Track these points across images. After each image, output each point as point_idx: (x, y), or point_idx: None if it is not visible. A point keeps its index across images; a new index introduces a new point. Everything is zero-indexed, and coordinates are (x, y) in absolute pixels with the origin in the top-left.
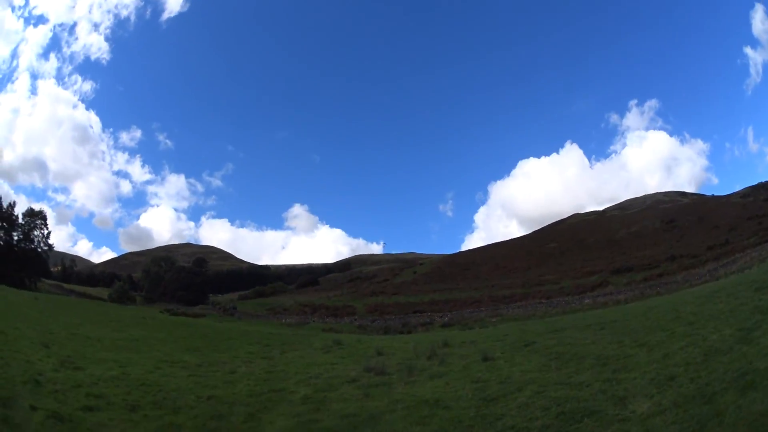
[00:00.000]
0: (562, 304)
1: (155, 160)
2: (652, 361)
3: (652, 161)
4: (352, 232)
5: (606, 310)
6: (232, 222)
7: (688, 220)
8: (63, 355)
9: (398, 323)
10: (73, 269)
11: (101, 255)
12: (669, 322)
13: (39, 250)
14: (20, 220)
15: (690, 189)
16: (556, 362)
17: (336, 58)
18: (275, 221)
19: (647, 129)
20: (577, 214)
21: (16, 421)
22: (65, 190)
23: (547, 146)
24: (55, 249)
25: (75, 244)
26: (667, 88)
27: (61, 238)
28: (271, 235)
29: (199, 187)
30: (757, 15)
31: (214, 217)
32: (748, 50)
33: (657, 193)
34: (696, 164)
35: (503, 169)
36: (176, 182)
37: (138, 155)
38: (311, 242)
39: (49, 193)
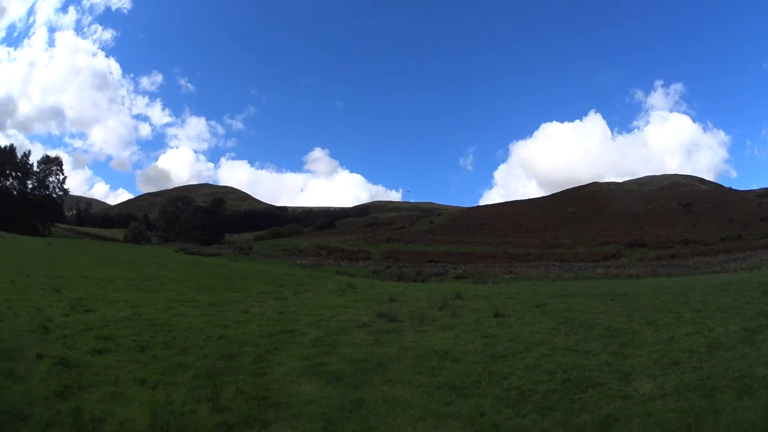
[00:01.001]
0: (575, 270)
1: (176, 103)
2: (659, 342)
3: (674, 143)
4: (371, 178)
5: (617, 282)
6: (251, 163)
7: (705, 207)
8: (74, 298)
9: (412, 271)
10: (89, 212)
11: (118, 197)
12: (678, 306)
13: (54, 195)
14: (35, 168)
15: (708, 177)
16: (566, 327)
17: (365, 4)
18: (295, 164)
19: (671, 111)
20: (597, 182)
21: (19, 373)
22: (82, 136)
23: (571, 112)
24: (72, 193)
25: (91, 187)
26: (694, 73)
27: (77, 182)
28: (290, 178)
29: (220, 130)
30: None
31: (233, 158)
32: None
33: (676, 174)
34: (716, 154)
35: (526, 130)
36: (196, 124)
37: (158, 99)
38: (330, 186)
39: (66, 140)
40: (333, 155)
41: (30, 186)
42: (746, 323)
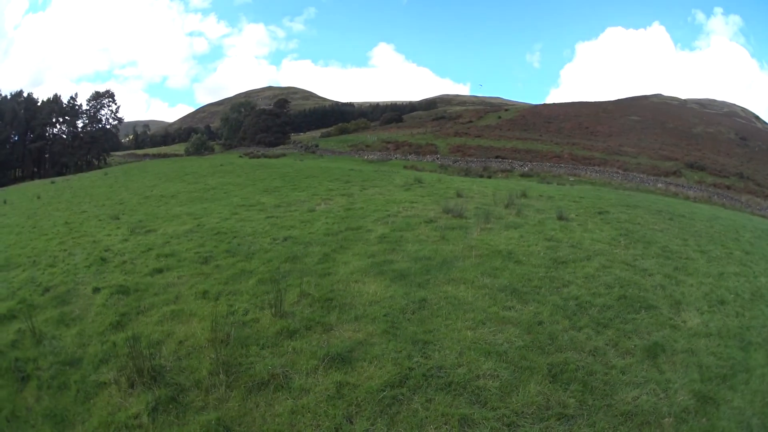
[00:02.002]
0: (637, 180)
1: (231, 14)
2: (709, 275)
3: (731, 72)
4: (439, 71)
5: (676, 201)
6: (315, 62)
7: (759, 145)
8: (134, 222)
9: (479, 166)
10: (147, 134)
11: (177, 113)
12: (730, 241)
13: (108, 126)
14: (85, 107)
15: (763, 116)
16: (626, 239)
17: None
18: (360, 59)
19: (730, 39)
20: (660, 95)
21: (73, 315)
22: (133, 64)
23: (635, 20)
24: (128, 120)
25: (148, 109)
26: (752, 9)
27: (133, 108)
28: (356, 73)
29: (280, 33)
30: None
31: (296, 59)
32: None
33: (735, 104)
34: None
35: (592, 32)
36: (255, 31)
37: (212, 13)
38: (397, 80)
39: (115, 71)
40: (398, 49)
41: (81, 125)
42: None
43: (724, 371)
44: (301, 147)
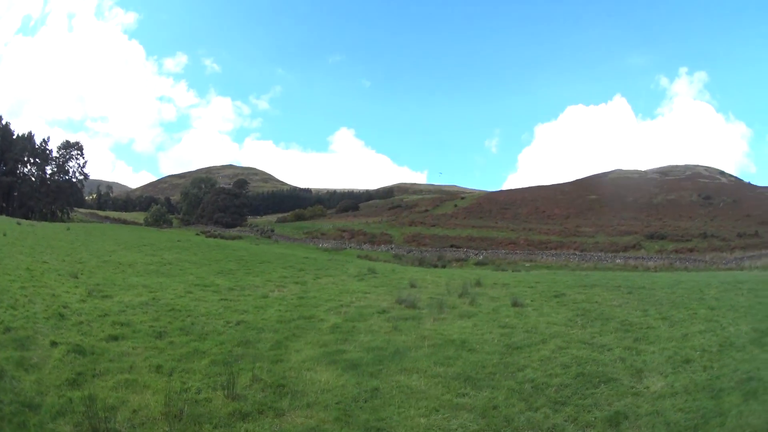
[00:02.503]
0: (594, 260)
1: (201, 84)
2: (672, 338)
3: (695, 132)
4: (397, 159)
5: (635, 274)
6: (276, 143)
7: (724, 201)
8: (92, 284)
9: (434, 256)
10: (110, 196)
11: (140, 179)
12: (693, 302)
13: (74, 180)
14: (54, 154)
15: (728, 170)
16: (582, 319)
17: None
18: (320, 144)
19: (695, 99)
20: (620, 170)
21: (32, 361)
22: (104, 119)
23: (596, 95)
24: (93, 177)
25: (113, 169)
26: (718, 62)
27: (99, 166)
28: (315, 158)
29: (245, 110)
30: None
31: (258, 138)
32: None
33: (698, 165)
34: (737, 146)
35: (551, 113)
36: (222, 105)
37: (183, 80)
38: (355, 167)
39: (87, 123)
40: (358, 135)
41: (49, 172)
42: (757, 324)
43: (695, 422)
44: (257, 231)
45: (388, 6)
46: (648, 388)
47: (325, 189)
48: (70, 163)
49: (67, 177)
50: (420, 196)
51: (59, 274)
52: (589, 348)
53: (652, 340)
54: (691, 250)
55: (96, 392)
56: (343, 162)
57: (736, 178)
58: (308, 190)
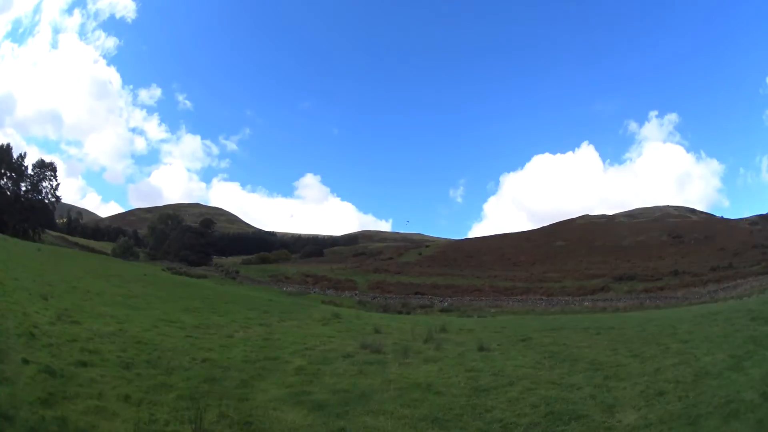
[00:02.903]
0: (561, 304)
1: (173, 119)
2: (644, 374)
3: (665, 174)
4: (362, 207)
5: (604, 315)
6: (243, 186)
7: (695, 237)
8: (61, 308)
9: (398, 303)
10: (79, 222)
11: (109, 209)
12: (664, 337)
13: (46, 201)
14: (29, 171)
15: (700, 207)
16: (550, 361)
17: (366, 34)
18: (286, 189)
19: (665, 141)
20: (587, 215)
21: (6, 374)
22: (78, 144)
23: (563, 144)
24: (63, 201)
25: (84, 197)
26: (688, 103)
27: (70, 190)
28: (281, 202)
29: (214, 149)
30: None
31: (225, 179)
32: None
33: (667, 206)
34: (709, 183)
35: (517, 162)
36: (192, 143)
37: (156, 113)
38: (320, 213)
39: (62, 146)
40: (324, 182)
41: (23, 189)
42: (734, 351)
43: None
44: (223, 271)
45: (358, 56)
46: (620, 422)
47: (290, 233)
48: (44, 183)
49: (40, 197)
50: (384, 244)
51: (30, 294)
52: (558, 388)
53: (623, 376)
54: (661, 288)
55: (67, 414)
56: (309, 207)
57: (707, 214)
58: (273, 234)
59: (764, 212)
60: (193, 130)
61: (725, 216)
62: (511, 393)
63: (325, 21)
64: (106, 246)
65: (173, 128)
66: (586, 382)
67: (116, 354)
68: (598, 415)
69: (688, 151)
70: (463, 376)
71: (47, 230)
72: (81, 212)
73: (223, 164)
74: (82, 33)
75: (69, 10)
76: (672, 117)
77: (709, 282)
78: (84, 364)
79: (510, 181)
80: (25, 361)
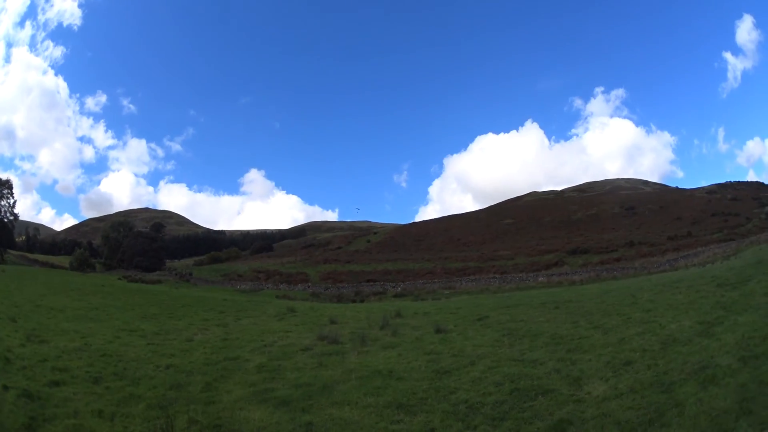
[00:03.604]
0: (515, 281)
1: (118, 124)
2: (608, 345)
3: (614, 148)
4: (307, 199)
5: (561, 289)
6: (189, 187)
7: (649, 208)
8: (28, 328)
9: (351, 292)
10: (37, 238)
11: (63, 222)
12: (625, 308)
13: (5, 220)
14: None
15: (653, 179)
16: (509, 338)
17: (302, 27)
18: (232, 186)
19: (612, 116)
20: (535, 192)
21: None
22: (31, 158)
23: (507, 123)
24: (21, 218)
25: (39, 212)
26: (636, 79)
27: (26, 206)
28: (228, 200)
29: (160, 152)
30: (744, 24)
31: (172, 181)
32: (728, 56)
33: (618, 179)
34: (661, 155)
35: (460, 144)
36: (137, 147)
37: (102, 120)
38: (267, 208)
39: (16, 161)
40: (269, 176)
41: None
42: (702, 317)
43: (648, 417)
44: (176, 274)
45: (295, 46)
46: (590, 393)
47: (239, 231)
48: (2, 202)
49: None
50: (333, 234)
51: (0, 317)
52: (520, 364)
53: (586, 349)
54: (618, 260)
55: None
56: (255, 203)
57: (661, 185)
58: (222, 232)
59: (722, 182)
60: (139, 134)
61: (681, 186)
62: (473, 373)
63: (261, 14)
64: (64, 260)
65: (119, 134)
66: (549, 356)
67: (84, 369)
68: (565, 389)
69: (637, 125)
70: (423, 360)
71: (8, 249)
72: (38, 228)
73: (169, 166)
74: (33, 44)
75: (21, 23)
76: (619, 92)
77: (668, 251)
78: (57, 384)
79: (454, 163)
80: (5, 388)
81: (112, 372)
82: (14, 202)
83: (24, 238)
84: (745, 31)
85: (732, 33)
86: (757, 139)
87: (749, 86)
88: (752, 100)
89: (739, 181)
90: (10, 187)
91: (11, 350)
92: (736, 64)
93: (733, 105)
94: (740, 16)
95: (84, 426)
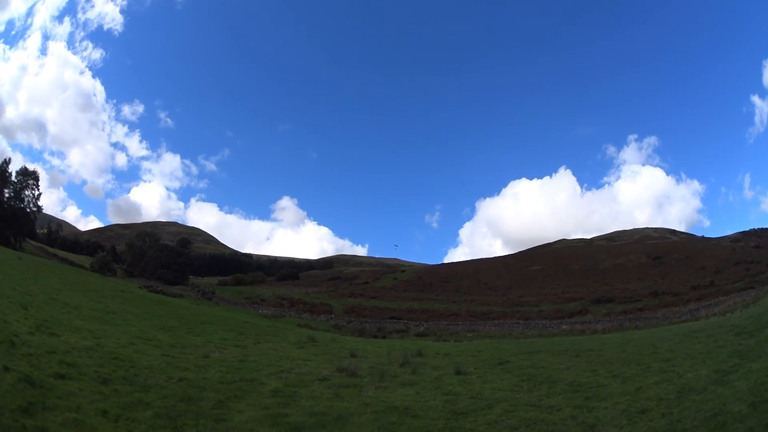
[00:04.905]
0: (539, 327)
1: (153, 136)
2: (625, 393)
3: (645, 196)
4: (338, 231)
5: (582, 338)
6: (220, 207)
7: (675, 258)
8: (40, 318)
9: (374, 327)
10: (59, 234)
11: (88, 223)
12: (645, 357)
13: (28, 210)
14: (13, 178)
15: (681, 228)
16: (528, 384)
17: (349, 58)
18: (263, 211)
19: (644, 164)
20: (564, 239)
21: None
22: (61, 155)
23: (540, 169)
24: (44, 211)
25: (64, 209)
26: (668, 126)
27: (51, 201)
28: (258, 225)
29: (193, 169)
30: None
31: (203, 200)
32: (755, 99)
33: (647, 228)
34: (689, 204)
35: (493, 187)
36: (171, 161)
37: (137, 130)
38: (296, 236)
39: (45, 156)
40: (301, 205)
41: (6, 195)
42: (718, 366)
43: None
44: (198, 291)
45: (338, 80)
46: None
47: (266, 256)
48: (27, 192)
49: (22, 205)
50: (360, 268)
51: (10, 302)
52: (537, 410)
53: (603, 397)
54: (641, 310)
55: (47, 425)
56: (285, 230)
57: (688, 234)
58: (249, 256)
59: (746, 229)
60: (173, 149)
61: (706, 235)
62: (489, 416)
63: (307, 45)
64: (85, 260)
65: (154, 146)
66: (566, 403)
67: (93, 369)
68: None
69: (668, 173)
70: (440, 400)
71: (28, 239)
72: (61, 224)
73: (202, 184)
74: (71, 42)
75: (59, 17)
76: (651, 140)
77: (690, 301)
78: (62, 377)
79: (486, 207)
80: (6, 369)
81: (122, 376)
82: (39, 194)
83: (46, 231)
84: None
85: (759, 74)
86: None
87: None
88: None
89: (763, 228)
90: (36, 179)
91: (18, 335)
92: (763, 107)
93: (759, 150)
94: (766, 56)
95: (86, 422)
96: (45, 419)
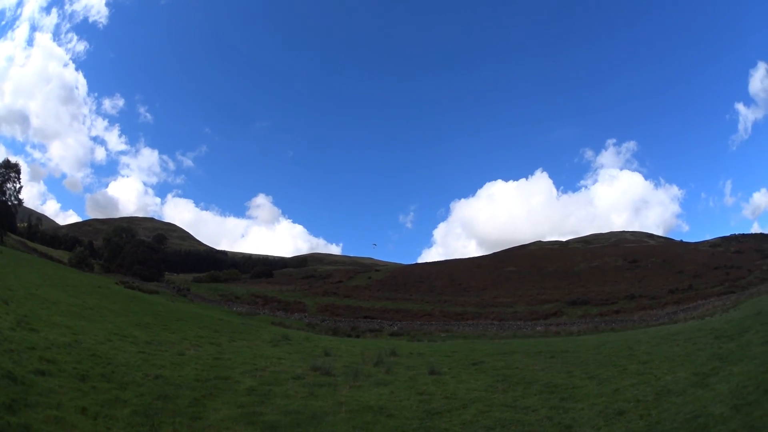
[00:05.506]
0: (513, 328)
1: (133, 131)
2: (602, 394)
3: (622, 200)
4: (313, 230)
5: (558, 339)
6: (196, 203)
7: (653, 261)
8: (20, 314)
9: (347, 326)
10: (39, 228)
11: (67, 218)
12: (622, 359)
13: (9, 203)
14: None
15: (659, 232)
16: (503, 384)
17: (327, 58)
18: (238, 209)
19: (622, 169)
20: (539, 241)
21: None
22: (43, 148)
23: (517, 171)
24: (24, 205)
25: (44, 203)
26: (648, 131)
27: (31, 195)
28: (233, 222)
29: (171, 165)
30: (757, 74)
31: (180, 195)
32: (740, 107)
33: (624, 231)
34: (668, 209)
35: (469, 189)
36: (149, 156)
37: (117, 124)
38: (271, 234)
39: (27, 148)
40: (276, 203)
41: None
42: (698, 368)
43: None
44: (174, 288)
45: (316, 79)
46: None
47: (241, 253)
48: (8, 185)
49: (3, 198)
50: (334, 267)
51: None
52: (512, 410)
53: (579, 398)
54: (617, 312)
55: (30, 422)
56: (260, 228)
57: (666, 238)
58: (224, 253)
59: (726, 235)
60: (152, 144)
61: (685, 240)
62: (464, 416)
63: (287, 44)
64: (63, 255)
65: (132, 140)
66: (542, 404)
67: (72, 365)
68: None
69: (646, 178)
70: (414, 399)
71: (9, 233)
72: (40, 218)
73: (179, 180)
74: (57, 34)
75: (47, 9)
76: (630, 145)
77: (668, 304)
78: (42, 373)
79: (461, 208)
80: None
81: (100, 373)
82: (20, 187)
83: (26, 225)
84: (758, 79)
85: (745, 82)
86: (763, 190)
87: (759, 137)
88: (761, 151)
89: (743, 234)
90: (18, 171)
91: (0, 332)
92: (747, 115)
93: (742, 157)
94: (754, 64)
95: (66, 420)
96: (28, 416)
